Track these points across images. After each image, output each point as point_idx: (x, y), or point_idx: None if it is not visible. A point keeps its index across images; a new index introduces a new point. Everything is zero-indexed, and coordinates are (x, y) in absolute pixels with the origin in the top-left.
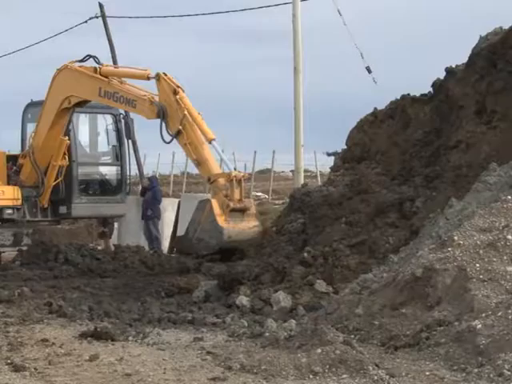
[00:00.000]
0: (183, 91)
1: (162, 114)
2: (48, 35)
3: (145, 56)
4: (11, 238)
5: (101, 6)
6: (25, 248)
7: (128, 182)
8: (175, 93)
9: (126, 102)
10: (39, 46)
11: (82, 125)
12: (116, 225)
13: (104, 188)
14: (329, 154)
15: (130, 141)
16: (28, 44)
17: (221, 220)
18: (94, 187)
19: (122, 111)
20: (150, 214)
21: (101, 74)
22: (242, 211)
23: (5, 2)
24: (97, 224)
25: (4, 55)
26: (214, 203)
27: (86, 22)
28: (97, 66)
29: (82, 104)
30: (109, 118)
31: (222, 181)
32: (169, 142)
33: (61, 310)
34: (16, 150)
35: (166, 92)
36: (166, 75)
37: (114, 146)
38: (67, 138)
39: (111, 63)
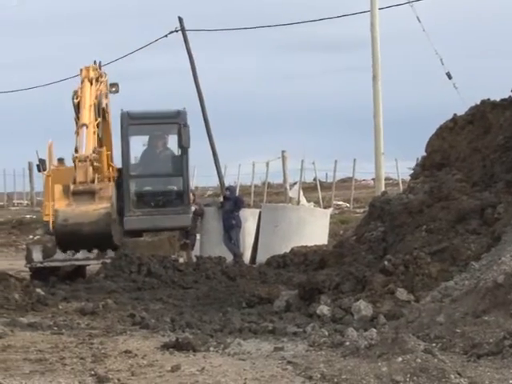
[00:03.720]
0: None
1: None
2: (127, 51)
3: (224, 66)
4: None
5: (180, 19)
6: (108, 261)
7: (190, 192)
8: None
9: None
10: (117, 62)
11: (141, 136)
12: (198, 236)
13: (163, 200)
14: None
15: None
16: (108, 61)
17: (59, 204)
18: (149, 199)
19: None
20: (234, 224)
21: None
22: (91, 193)
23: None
24: (179, 236)
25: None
26: (56, 188)
27: (166, 36)
28: None
29: None
30: (171, 128)
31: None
32: None
33: (143, 322)
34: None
35: None
36: None
37: (175, 156)
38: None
39: (191, 76)
